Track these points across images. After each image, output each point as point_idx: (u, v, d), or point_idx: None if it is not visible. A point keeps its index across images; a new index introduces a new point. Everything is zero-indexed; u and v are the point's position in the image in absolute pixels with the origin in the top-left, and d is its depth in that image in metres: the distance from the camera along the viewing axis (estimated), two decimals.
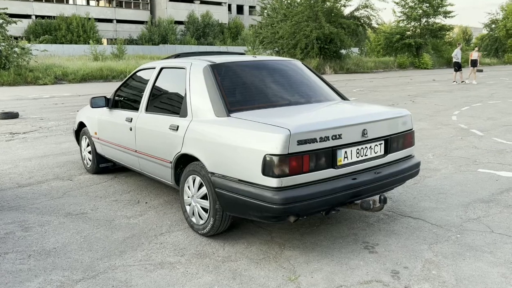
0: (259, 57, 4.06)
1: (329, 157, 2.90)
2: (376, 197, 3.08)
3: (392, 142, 3.31)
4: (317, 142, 2.82)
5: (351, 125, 3.02)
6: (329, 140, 2.87)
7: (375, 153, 3.20)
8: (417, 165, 3.55)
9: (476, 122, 8.47)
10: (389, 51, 36.57)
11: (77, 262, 3.00)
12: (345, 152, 3.00)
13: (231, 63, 3.71)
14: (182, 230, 3.52)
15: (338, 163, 2.96)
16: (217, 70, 3.52)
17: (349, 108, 3.63)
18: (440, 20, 35.87)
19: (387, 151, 3.28)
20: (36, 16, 44.44)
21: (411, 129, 3.51)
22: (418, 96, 13.65)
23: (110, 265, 2.96)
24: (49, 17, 44.09)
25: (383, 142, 3.24)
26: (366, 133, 3.07)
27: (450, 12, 35.23)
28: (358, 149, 3.07)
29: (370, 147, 3.16)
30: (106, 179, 5.00)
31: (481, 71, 27.64)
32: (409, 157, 3.56)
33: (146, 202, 4.20)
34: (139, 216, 3.83)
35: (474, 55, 19.79)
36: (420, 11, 35.19)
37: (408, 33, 35.94)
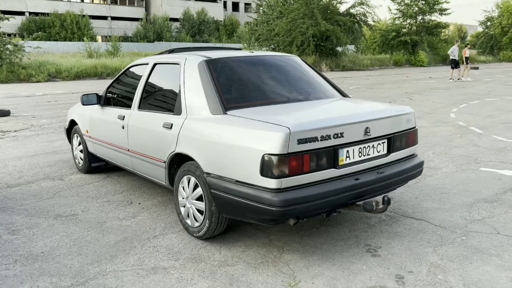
0: (256, 53, 3.92)
1: (330, 156, 2.77)
2: (379, 198, 2.95)
3: (395, 141, 3.18)
4: (318, 141, 2.68)
5: (353, 123, 2.88)
6: (330, 139, 2.74)
7: (378, 152, 3.07)
8: (421, 164, 3.43)
9: (475, 120, 8.38)
10: (385, 49, 36.45)
11: (66, 268, 2.85)
12: (347, 151, 2.86)
13: (227, 59, 3.56)
14: (176, 232, 3.37)
15: (340, 163, 2.83)
16: (212, 66, 3.38)
17: (351, 105, 3.50)
18: (436, 17, 35.84)
19: (390, 150, 3.15)
20: (30, 13, 44.01)
21: (414, 127, 3.38)
22: (415, 93, 13.56)
23: (100, 270, 2.81)
24: (43, 14, 43.69)
25: (386, 140, 3.12)
26: (369, 132, 2.94)
27: (446, 9, 35.16)
28: (360, 148, 2.94)
29: (373, 146, 3.02)
30: (98, 179, 4.85)
31: (476, 68, 27.71)
32: (412, 156, 3.43)
33: (139, 203, 4.05)
34: (132, 218, 3.69)
35: (467, 52, 20.12)
36: (416, 8, 35.11)
37: (404, 30, 35.82)
